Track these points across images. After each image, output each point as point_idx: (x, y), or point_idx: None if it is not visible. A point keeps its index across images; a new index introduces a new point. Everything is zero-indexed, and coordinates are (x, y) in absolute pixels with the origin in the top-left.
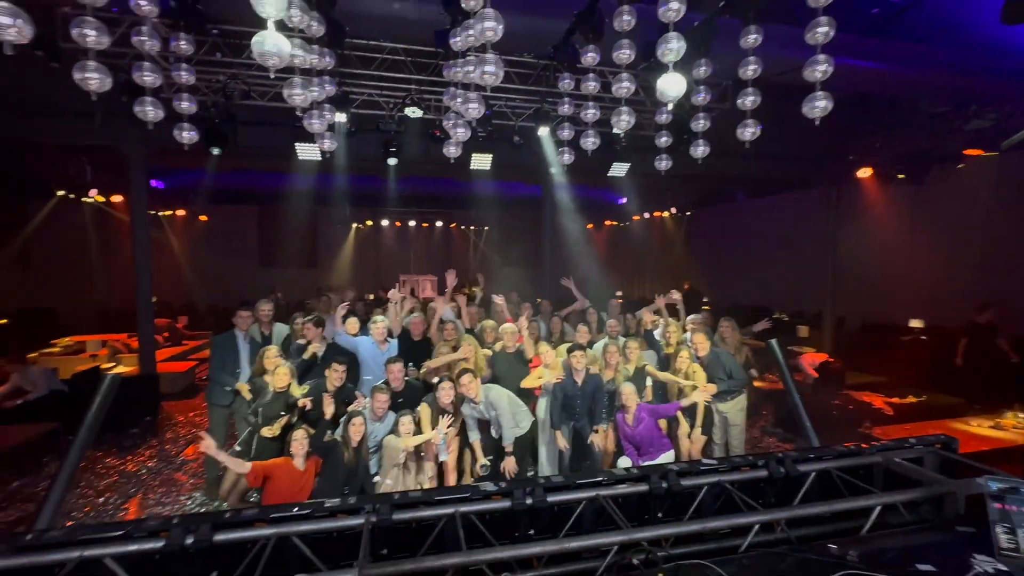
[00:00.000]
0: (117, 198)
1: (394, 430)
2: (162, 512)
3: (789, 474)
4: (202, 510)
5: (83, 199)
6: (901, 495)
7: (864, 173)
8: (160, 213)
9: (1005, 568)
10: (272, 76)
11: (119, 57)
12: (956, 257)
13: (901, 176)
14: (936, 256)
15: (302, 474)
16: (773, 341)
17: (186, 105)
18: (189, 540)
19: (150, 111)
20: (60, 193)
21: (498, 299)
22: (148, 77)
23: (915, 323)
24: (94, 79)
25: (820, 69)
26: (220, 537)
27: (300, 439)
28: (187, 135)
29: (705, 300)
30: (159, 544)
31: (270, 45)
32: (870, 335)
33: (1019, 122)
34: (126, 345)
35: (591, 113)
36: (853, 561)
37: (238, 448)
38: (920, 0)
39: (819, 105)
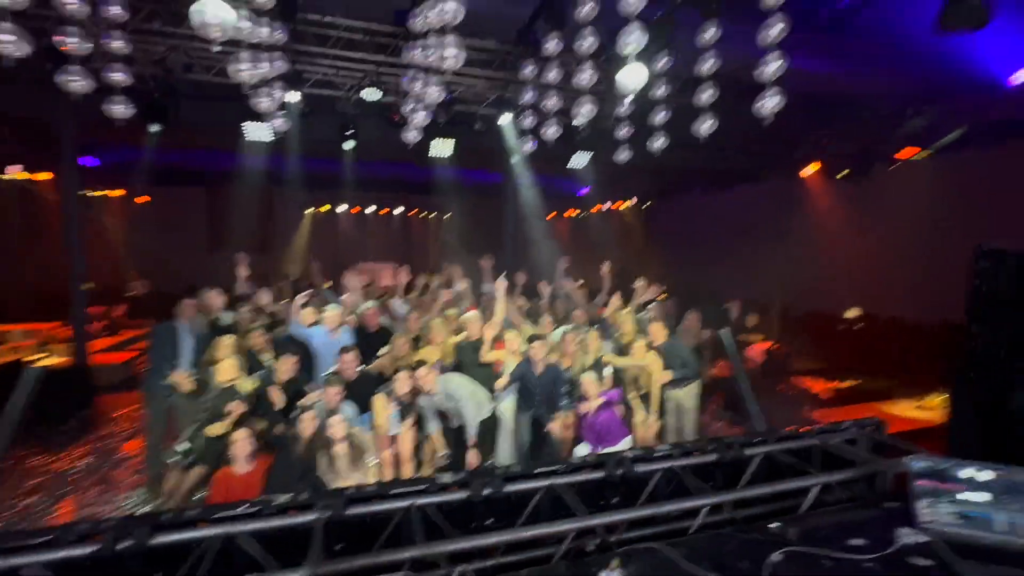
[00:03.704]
0: (45, 175)
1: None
2: (99, 514)
3: (737, 458)
4: (142, 510)
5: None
6: (836, 475)
7: (811, 169)
8: (94, 193)
9: (925, 538)
10: (216, 49)
11: (42, 20)
12: (892, 251)
13: (844, 173)
14: (874, 249)
15: (246, 477)
16: (725, 331)
17: (118, 76)
18: (125, 544)
19: (76, 80)
20: None
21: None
22: (72, 42)
23: (852, 312)
24: (8, 41)
25: (772, 67)
26: (159, 540)
27: (242, 439)
28: (119, 108)
29: (663, 290)
30: (91, 550)
31: (211, 15)
32: (812, 323)
33: (951, 124)
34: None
35: (552, 102)
36: (792, 539)
37: (179, 447)
38: (863, 4)
39: (770, 102)
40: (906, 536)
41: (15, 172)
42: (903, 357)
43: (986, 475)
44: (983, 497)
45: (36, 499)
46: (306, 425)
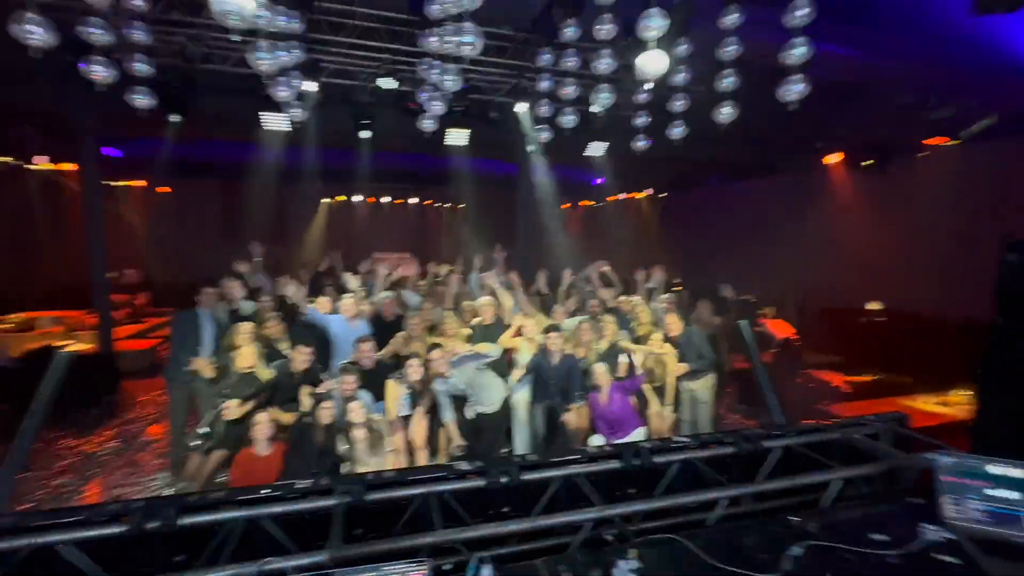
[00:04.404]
0: (69, 167)
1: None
2: (125, 495)
3: (755, 450)
4: (167, 492)
5: (26, 166)
6: (858, 469)
7: (832, 159)
8: (117, 183)
9: (950, 535)
10: (235, 39)
11: (64, 11)
12: (913, 243)
13: (867, 163)
14: (896, 241)
15: (267, 459)
16: (744, 322)
17: (140, 67)
18: (152, 524)
19: (99, 71)
20: (1, 160)
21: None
22: (96, 34)
23: (873, 305)
24: (35, 34)
25: (797, 52)
26: (185, 521)
27: (263, 422)
28: (141, 100)
29: (677, 281)
30: (120, 529)
31: (231, 3)
32: (831, 316)
33: (978, 113)
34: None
35: (569, 90)
36: (813, 532)
37: (200, 431)
38: None
39: (795, 88)
40: (930, 532)
41: (41, 163)
42: (925, 351)
43: (1015, 472)
44: (1012, 494)
45: (67, 479)
46: (323, 414)
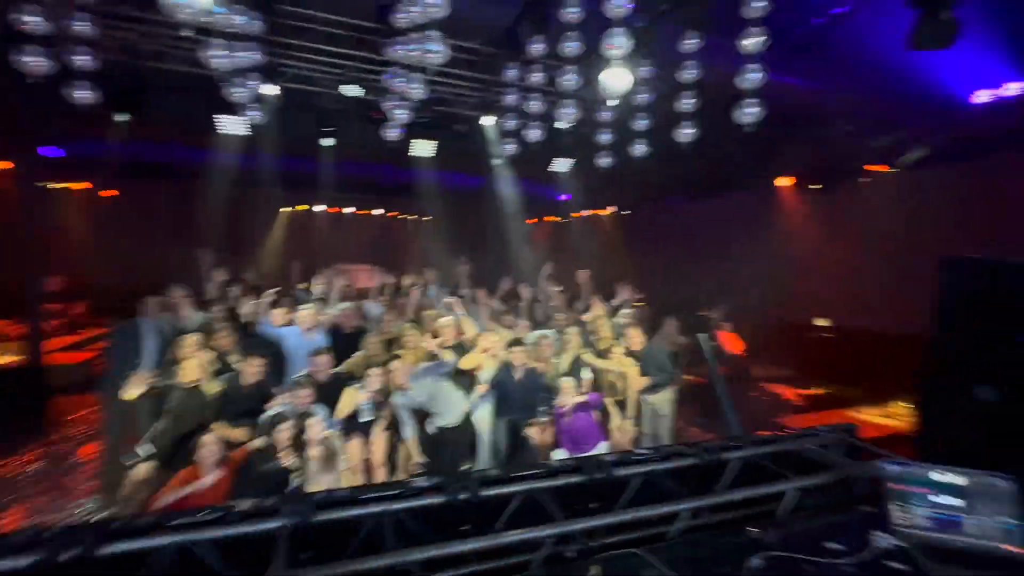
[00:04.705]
0: (4, 165)
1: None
2: (48, 522)
3: (714, 461)
4: (96, 518)
5: None
6: (812, 479)
7: (784, 182)
8: (57, 185)
9: (900, 543)
10: (188, 34)
11: None
12: (859, 262)
13: (816, 186)
14: (842, 261)
15: (212, 488)
16: (703, 336)
17: (83, 60)
18: (67, 555)
19: (36, 62)
20: None
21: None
22: (33, 21)
23: (821, 322)
24: None
25: (752, 76)
26: (106, 550)
27: (210, 444)
28: (82, 93)
29: (641, 297)
30: (29, 560)
31: None
32: (784, 331)
33: (913, 142)
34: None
35: (536, 105)
36: (771, 544)
37: (141, 449)
38: (835, 22)
39: (750, 112)
40: (881, 540)
41: None
42: (869, 365)
43: (957, 478)
44: (954, 500)
45: None
46: (282, 436)
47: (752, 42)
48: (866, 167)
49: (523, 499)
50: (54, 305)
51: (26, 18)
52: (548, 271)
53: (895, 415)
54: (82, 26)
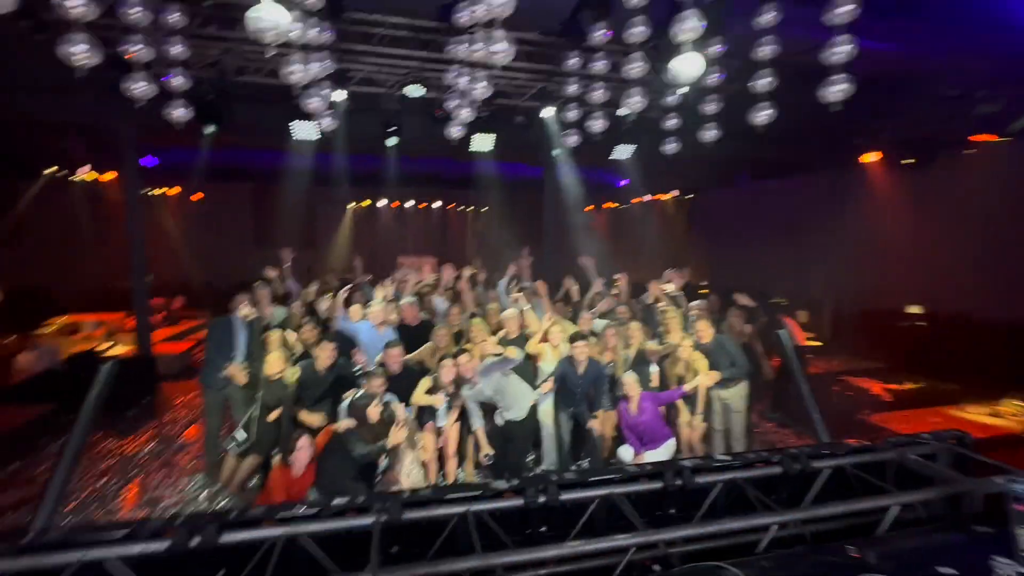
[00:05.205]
0: (110, 176)
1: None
2: (162, 495)
3: (803, 470)
4: (203, 493)
5: (70, 178)
6: (919, 494)
7: (870, 158)
8: (154, 192)
9: None
10: (269, 52)
11: (107, 29)
12: (958, 244)
13: (908, 161)
14: (938, 243)
15: (299, 480)
16: (784, 332)
17: (178, 81)
18: (195, 541)
19: (140, 87)
20: (48, 171)
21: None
22: (138, 51)
23: (913, 309)
24: (81, 53)
25: (841, 50)
26: (226, 538)
27: (305, 447)
28: (178, 113)
29: (704, 284)
30: (164, 545)
31: (266, 19)
32: (869, 320)
33: None
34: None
35: (598, 94)
36: (873, 564)
37: (237, 435)
38: None
39: (839, 88)
40: (1005, 567)
41: (85, 173)
42: (972, 357)
43: None
44: None
45: (107, 481)
46: (373, 413)
47: (840, 10)
48: (970, 137)
49: (601, 503)
50: (157, 300)
51: (132, 48)
52: (591, 263)
53: (1006, 414)
54: (177, 49)
